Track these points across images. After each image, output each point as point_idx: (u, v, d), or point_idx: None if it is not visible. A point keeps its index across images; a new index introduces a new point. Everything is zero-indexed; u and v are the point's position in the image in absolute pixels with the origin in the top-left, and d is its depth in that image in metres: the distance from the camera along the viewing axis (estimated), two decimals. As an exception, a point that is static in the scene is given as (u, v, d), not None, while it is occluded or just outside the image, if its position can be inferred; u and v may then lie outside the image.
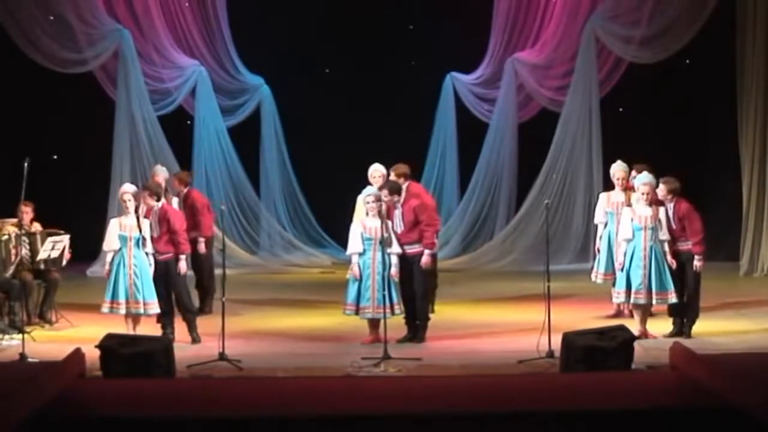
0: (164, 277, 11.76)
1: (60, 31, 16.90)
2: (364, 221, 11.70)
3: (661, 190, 11.77)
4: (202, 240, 13.49)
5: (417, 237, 11.78)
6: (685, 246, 11.73)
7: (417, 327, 11.79)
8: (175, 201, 13.18)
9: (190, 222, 13.29)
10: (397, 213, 11.81)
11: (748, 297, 12.13)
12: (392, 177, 12.52)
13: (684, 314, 11.77)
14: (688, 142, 17.34)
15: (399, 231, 11.73)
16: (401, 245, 11.66)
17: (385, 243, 11.49)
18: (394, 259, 11.68)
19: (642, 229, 11.62)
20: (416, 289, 11.77)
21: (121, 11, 17.42)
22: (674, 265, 11.69)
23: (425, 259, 11.80)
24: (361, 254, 11.58)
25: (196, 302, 13.16)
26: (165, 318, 11.84)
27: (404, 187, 12.20)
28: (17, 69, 16.98)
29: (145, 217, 11.83)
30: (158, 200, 11.88)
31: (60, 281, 13.09)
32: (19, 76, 17.08)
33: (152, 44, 17.62)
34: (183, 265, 11.90)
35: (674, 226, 11.70)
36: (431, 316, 12.29)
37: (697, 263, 11.69)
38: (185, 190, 13.73)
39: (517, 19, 18.01)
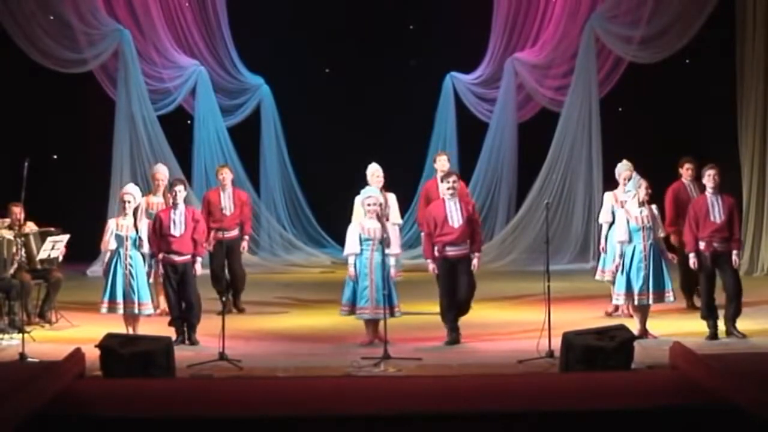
0: (182, 280, 11.77)
1: (60, 31, 16.92)
2: (362, 222, 11.66)
3: (713, 177, 11.61)
4: (247, 237, 13.95)
5: (467, 237, 11.66)
6: (724, 246, 11.61)
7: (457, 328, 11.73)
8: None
9: (237, 216, 13.59)
10: (455, 206, 11.65)
11: (748, 297, 12.11)
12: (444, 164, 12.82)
13: (718, 315, 11.64)
14: (688, 142, 17.33)
15: (457, 225, 11.58)
16: (446, 245, 11.54)
17: (384, 243, 11.47)
18: (392, 260, 11.67)
19: (640, 230, 11.58)
20: (466, 292, 11.65)
21: (121, 11, 17.43)
22: (675, 260, 11.72)
23: (478, 263, 11.76)
24: (358, 255, 11.55)
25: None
26: (177, 321, 11.85)
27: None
28: (17, 69, 16.98)
29: (149, 211, 11.85)
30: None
31: (62, 281, 13.11)
32: (19, 76, 17.09)
33: (152, 44, 17.64)
34: (199, 267, 11.92)
35: (722, 218, 11.57)
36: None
37: (736, 258, 11.69)
38: (231, 186, 13.92)
39: (517, 19, 18.01)
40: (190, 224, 11.76)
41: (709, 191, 11.68)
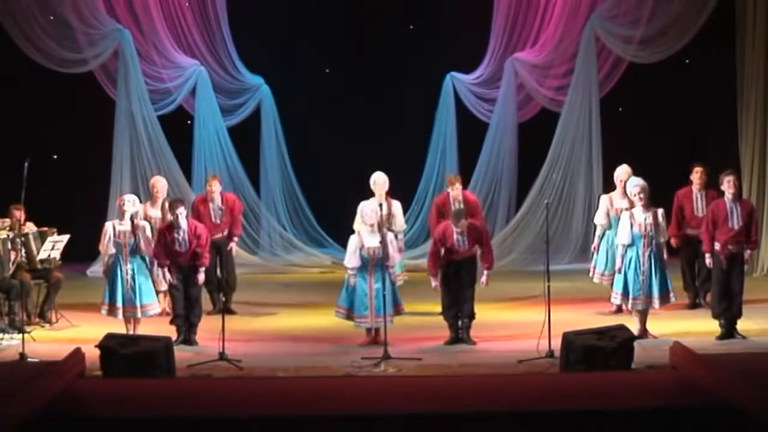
0: (187, 278, 11.84)
1: (60, 31, 16.90)
2: (363, 239, 11.66)
3: (732, 184, 11.63)
4: (236, 239, 13.96)
5: (474, 252, 11.79)
6: (738, 248, 11.66)
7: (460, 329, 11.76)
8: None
9: (228, 222, 13.62)
10: (459, 237, 11.64)
11: (749, 297, 12.14)
12: (458, 192, 12.87)
13: (729, 314, 11.69)
14: (688, 143, 17.34)
15: (461, 248, 11.62)
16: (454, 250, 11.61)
17: (383, 259, 11.52)
18: (396, 270, 11.82)
19: (642, 237, 11.58)
20: (468, 289, 11.73)
21: (121, 11, 17.41)
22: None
23: (487, 279, 11.83)
24: (358, 269, 11.62)
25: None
26: (179, 320, 11.87)
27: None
28: (17, 69, 16.97)
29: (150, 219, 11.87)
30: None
31: (62, 281, 13.11)
32: (19, 77, 17.08)
33: (152, 44, 17.62)
34: (202, 277, 11.97)
35: (740, 224, 11.61)
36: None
37: (748, 257, 11.78)
38: (220, 192, 13.85)
39: (517, 19, 17.97)
40: (193, 240, 11.84)
41: (728, 197, 11.70)
